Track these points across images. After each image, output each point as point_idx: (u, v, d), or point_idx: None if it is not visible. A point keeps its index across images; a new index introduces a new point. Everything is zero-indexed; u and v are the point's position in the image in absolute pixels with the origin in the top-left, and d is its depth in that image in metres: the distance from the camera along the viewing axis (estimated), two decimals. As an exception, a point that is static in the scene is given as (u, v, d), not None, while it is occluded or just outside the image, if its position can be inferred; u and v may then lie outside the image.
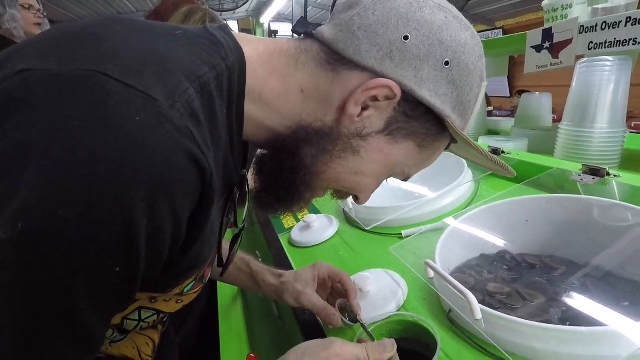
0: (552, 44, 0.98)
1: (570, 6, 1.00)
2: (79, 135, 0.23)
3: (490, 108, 3.34)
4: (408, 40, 0.34)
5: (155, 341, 0.54)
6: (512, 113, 2.87)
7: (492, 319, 0.45)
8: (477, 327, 0.45)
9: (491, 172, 0.95)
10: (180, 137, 0.26)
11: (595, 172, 0.72)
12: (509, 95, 4.31)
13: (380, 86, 0.34)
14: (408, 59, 0.34)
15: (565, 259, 0.65)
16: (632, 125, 2.03)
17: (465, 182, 0.89)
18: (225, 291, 1.04)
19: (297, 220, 0.98)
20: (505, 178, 0.93)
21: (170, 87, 0.27)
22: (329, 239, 0.86)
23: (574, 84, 0.95)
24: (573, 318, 0.49)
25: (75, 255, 0.23)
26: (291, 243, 0.89)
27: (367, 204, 0.84)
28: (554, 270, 0.63)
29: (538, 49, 1.02)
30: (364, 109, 0.36)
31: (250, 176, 0.44)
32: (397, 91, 0.34)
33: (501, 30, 4.72)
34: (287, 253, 0.84)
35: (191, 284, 0.42)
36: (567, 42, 0.94)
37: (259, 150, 0.43)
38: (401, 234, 0.78)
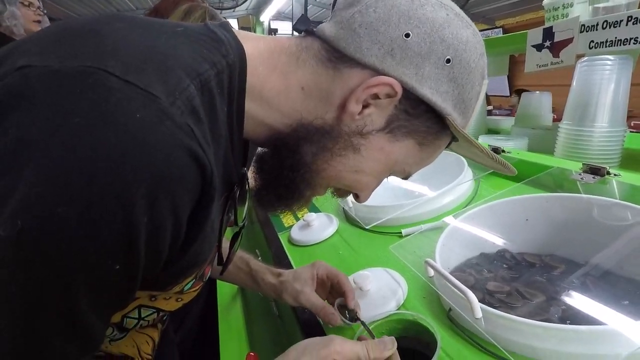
0: (552, 43, 0.98)
1: (571, 5, 1.00)
2: (79, 132, 0.23)
3: (490, 107, 3.34)
4: (409, 38, 0.34)
5: (155, 340, 0.54)
6: (510, 112, 2.87)
7: (492, 318, 0.45)
8: (477, 325, 0.45)
9: (491, 170, 0.95)
10: (180, 134, 0.26)
11: (595, 171, 0.72)
12: (509, 94, 4.31)
13: (381, 84, 0.34)
14: (409, 56, 0.34)
15: (565, 257, 0.65)
16: (632, 124, 2.03)
17: (465, 181, 0.89)
18: (224, 290, 1.04)
19: (297, 219, 0.98)
20: (505, 177, 0.93)
21: (170, 84, 0.27)
22: (329, 237, 0.86)
23: (574, 83, 0.95)
24: (573, 317, 0.49)
25: (75, 253, 0.23)
26: (291, 242, 0.89)
27: (367, 203, 0.83)
28: (553, 269, 0.63)
29: (539, 47, 1.02)
30: (365, 106, 0.36)
31: (250, 174, 0.44)
32: (398, 89, 0.34)
33: (501, 29, 4.72)
34: (286, 252, 0.84)
35: (191, 282, 0.42)
36: (568, 41, 0.94)
37: (259, 149, 0.42)
38: (401, 232, 0.78)
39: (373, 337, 0.48)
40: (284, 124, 0.37)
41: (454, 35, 0.35)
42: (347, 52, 0.35)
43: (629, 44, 0.81)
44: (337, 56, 0.36)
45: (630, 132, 1.06)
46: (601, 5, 0.89)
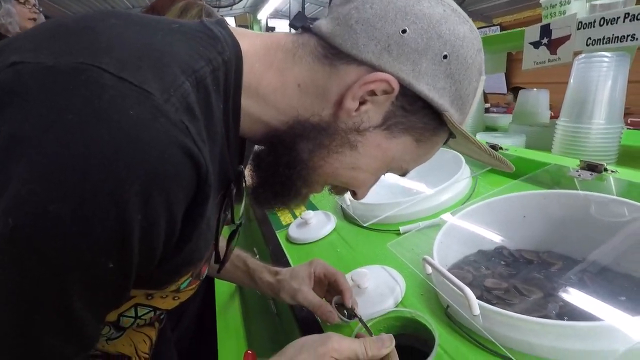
0: (550, 40, 0.98)
1: (569, 2, 1.00)
2: (72, 129, 0.23)
3: (488, 105, 3.35)
4: (406, 34, 0.34)
5: (152, 338, 0.54)
6: (506, 110, 2.87)
7: (489, 315, 0.45)
8: (474, 322, 0.45)
9: (489, 167, 0.95)
10: (175, 131, 0.26)
11: (592, 167, 0.72)
12: (506, 92, 4.32)
13: (378, 80, 0.34)
14: (406, 52, 0.34)
15: (562, 254, 0.65)
16: (629, 121, 2.04)
17: (463, 178, 0.89)
18: (222, 288, 1.04)
19: (295, 217, 0.97)
20: (503, 174, 0.93)
21: (165, 81, 0.27)
22: (327, 235, 0.86)
23: (571, 80, 0.95)
24: (570, 313, 0.49)
25: (69, 250, 0.23)
26: (289, 240, 0.89)
27: (364, 200, 0.83)
28: (551, 266, 0.63)
29: (536, 45, 1.01)
30: (362, 103, 0.36)
31: (247, 172, 0.44)
32: (395, 85, 0.34)
33: (498, 27, 4.72)
34: (284, 250, 0.84)
35: (187, 281, 0.41)
36: (565, 38, 0.94)
37: (256, 147, 0.42)
38: (399, 230, 0.78)
39: (371, 335, 0.48)
40: (280, 121, 0.37)
41: (451, 31, 0.35)
42: (344, 49, 0.35)
43: (626, 40, 0.81)
44: (333, 53, 0.35)
45: (627, 129, 1.06)
46: (598, 2, 0.89)
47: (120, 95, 0.24)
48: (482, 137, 1.20)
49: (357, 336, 0.46)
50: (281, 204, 0.42)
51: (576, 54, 0.93)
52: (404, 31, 0.34)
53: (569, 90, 0.95)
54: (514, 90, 3.00)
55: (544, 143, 1.05)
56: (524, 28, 1.06)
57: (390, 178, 1.03)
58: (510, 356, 0.41)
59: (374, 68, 0.34)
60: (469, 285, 0.47)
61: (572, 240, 0.65)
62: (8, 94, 0.24)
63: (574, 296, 0.52)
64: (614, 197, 0.61)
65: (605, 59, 0.87)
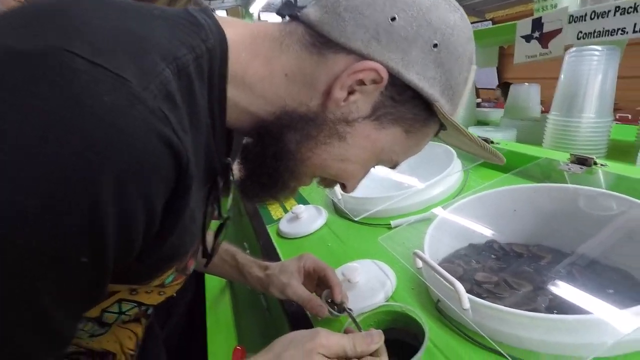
0: (541, 34, 0.98)
1: (560, -5, 1.00)
2: (39, 116, 0.21)
3: (479, 100, 3.36)
4: (395, 22, 0.33)
5: (139, 335, 0.53)
6: (494, 105, 2.88)
7: (479, 308, 0.44)
8: (464, 316, 0.45)
9: (481, 161, 0.95)
10: (153, 119, 0.24)
11: (582, 161, 0.72)
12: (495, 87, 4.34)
13: (366, 69, 0.33)
14: (395, 40, 0.33)
15: (552, 247, 0.66)
16: (617, 117, 2.06)
17: (454, 172, 0.89)
18: (212, 283, 1.03)
19: (286, 211, 0.97)
20: (494, 168, 0.93)
21: (144, 68, 0.25)
22: (318, 230, 0.86)
23: (562, 74, 0.95)
24: (560, 306, 0.49)
25: (37, 245, 0.22)
26: (279, 234, 0.88)
27: (355, 194, 0.83)
28: (540, 259, 0.63)
29: (528, 38, 1.01)
30: (350, 93, 0.35)
31: (236, 166, 0.43)
32: (384, 74, 0.33)
33: (490, 22, 4.73)
34: (275, 244, 0.83)
35: (172, 276, 0.40)
36: (557, 32, 0.94)
37: (245, 139, 0.41)
38: (390, 224, 0.78)
39: (360, 330, 0.48)
40: (267, 112, 0.36)
41: (441, 19, 0.34)
42: (332, 37, 0.34)
43: (617, 34, 0.81)
44: (321, 41, 0.34)
45: (615, 123, 1.07)
46: (589, -5, 0.89)
47: (94, 80, 0.23)
48: (474, 131, 1.19)
49: (346, 331, 0.46)
50: (269, 197, 0.41)
51: (567, 47, 0.93)
52: (393, 19, 0.33)
53: (560, 84, 0.95)
54: (504, 85, 3.01)
55: (534, 137, 1.05)
56: (515, 21, 1.06)
57: (381, 172, 1.03)
58: (500, 350, 0.41)
59: (363, 57, 0.33)
60: (459, 279, 0.47)
61: (562, 234, 0.65)
62: None
63: (563, 289, 0.52)
64: (604, 190, 0.61)
65: (596, 53, 0.88)
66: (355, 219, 0.83)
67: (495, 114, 1.62)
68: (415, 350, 0.47)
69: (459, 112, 0.40)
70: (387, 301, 0.57)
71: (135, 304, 0.43)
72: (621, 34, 0.80)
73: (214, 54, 0.33)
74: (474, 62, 0.39)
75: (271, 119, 0.36)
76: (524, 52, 1.04)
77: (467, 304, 0.44)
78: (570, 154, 0.74)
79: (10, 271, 0.22)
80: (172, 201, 0.28)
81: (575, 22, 0.89)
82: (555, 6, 1.02)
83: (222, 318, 0.90)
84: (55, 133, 0.21)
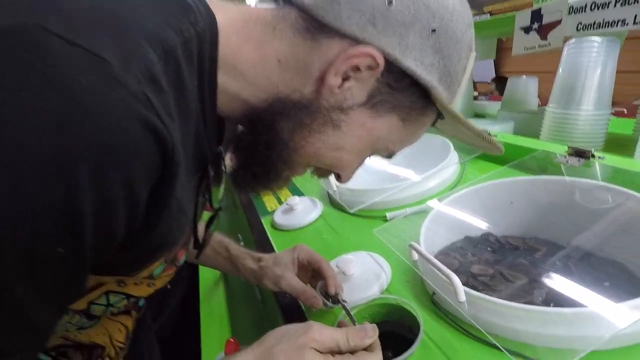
0: (540, 25, 0.96)
1: (560, -14, 0.98)
2: (10, 98, 0.20)
3: (476, 93, 3.34)
4: (392, 6, 0.32)
5: (129, 327, 0.52)
6: (489, 98, 2.88)
7: (475, 301, 0.44)
8: (460, 309, 0.44)
9: (478, 154, 0.94)
10: (135, 103, 0.23)
11: (580, 154, 0.71)
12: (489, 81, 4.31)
13: (362, 54, 0.32)
14: (392, 25, 0.32)
15: (548, 240, 0.65)
16: (613, 111, 2.06)
17: (450, 164, 0.88)
18: (206, 275, 1.02)
19: (280, 203, 0.96)
20: (491, 160, 0.93)
21: (126, 49, 0.24)
22: (313, 222, 0.85)
23: (561, 66, 0.94)
24: (556, 299, 0.48)
25: (10, 235, 0.20)
26: (274, 226, 0.87)
27: (351, 186, 0.81)
28: (536, 252, 0.63)
29: (527, 30, 1.00)
30: (345, 79, 0.33)
31: (228, 156, 0.42)
32: (380, 60, 0.32)
33: (489, 14, 4.70)
34: (269, 236, 0.82)
35: (161, 267, 0.39)
36: (556, 23, 0.93)
37: (239, 128, 0.40)
38: (385, 216, 0.77)
39: (354, 322, 0.47)
40: (259, 99, 0.35)
41: (439, 3, 0.33)
42: (326, 21, 0.32)
43: (617, 25, 0.80)
44: (315, 26, 0.33)
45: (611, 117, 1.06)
46: (590, -14, 0.88)
47: (69, 60, 0.21)
48: (471, 124, 1.19)
49: (340, 325, 0.45)
50: (261, 187, 0.40)
51: (566, 39, 0.92)
52: (389, 2, 0.32)
53: (559, 75, 0.94)
54: (498, 79, 3.01)
55: (532, 130, 1.05)
56: (514, 12, 1.04)
57: (377, 164, 1.02)
58: (496, 343, 0.40)
59: (358, 42, 0.32)
60: (455, 271, 0.46)
61: (559, 227, 0.65)
62: None
63: (559, 282, 0.52)
64: (601, 183, 0.61)
65: (596, 44, 0.86)
66: (351, 211, 0.82)
67: (492, 106, 1.61)
68: (410, 342, 0.47)
69: (457, 101, 0.39)
70: (382, 294, 0.56)
71: (124, 296, 0.42)
72: (621, 25, 0.79)
73: (204, 37, 0.31)
74: (473, 49, 0.37)
75: (263, 106, 0.34)
76: (522, 43, 1.03)
77: (462, 297, 0.43)
78: (568, 147, 0.73)
79: None
80: (158, 190, 0.27)
81: (575, 13, 0.88)
82: (555, -3, 1.00)
83: (215, 310, 0.89)
84: (25, 114, 0.20)
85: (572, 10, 0.88)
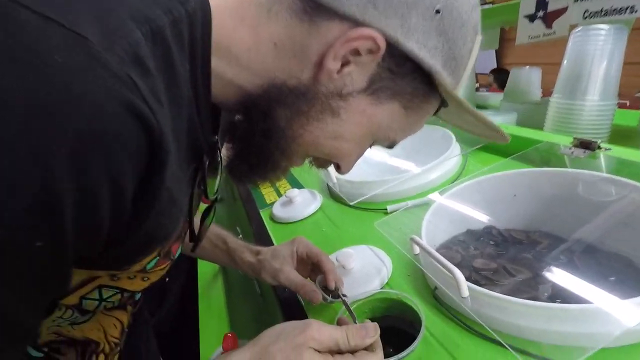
0: (546, 13, 0.94)
1: (566, -28, 0.95)
2: None
3: (477, 85, 3.30)
4: None
5: (124, 323, 0.51)
6: (488, 89, 2.85)
7: (478, 297, 0.43)
8: (463, 304, 0.43)
9: (480, 145, 0.93)
10: (117, 85, 0.21)
11: (586, 145, 0.69)
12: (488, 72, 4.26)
13: (362, 37, 0.30)
14: (394, 6, 0.30)
15: (551, 233, 0.64)
16: (618, 104, 2.04)
17: (452, 156, 0.86)
18: (205, 268, 1.01)
19: (279, 195, 0.94)
20: (494, 152, 0.91)
21: (108, 27, 0.22)
22: (312, 214, 0.84)
23: (566, 55, 0.91)
24: (560, 294, 0.47)
25: None
26: (273, 219, 0.86)
27: (351, 178, 0.80)
28: (540, 245, 0.61)
29: (531, 18, 0.98)
30: (344, 64, 0.32)
31: (225, 147, 0.40)
32: (381, 43, 0.30)
33: (491, 4, 4.63)
34: (268, 229, 0.81)
35: (154, 261, 0.38)
36: (562, 11, 0.90)
37: (236, 117, 0.38)
38: (386, 209, 0.76)
39: (354, 319, 0.46)
40: (254, 85, 0.33)
41: None
42: (324, 2, 0.31)
43: (625, 13, 0.78)
44: (312, 6, 0.31)
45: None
46: (597, -28, 0.86)
47: (43, 37, 0.19)
48: (473, 115, 1.17)
49: (339, 322, 0.44)
50: (258, 178, 0.39)
51: (572, 27, 0.90)
52: None
53: (564, 65, 0.92)
54: (496, 71, 2.98)
55: (535, 121, 1.03)
56: (518, 0, 1.02)
57: (377, 156, 1.00)
58: (499, 339, 0.39)
59: (358, 24, 0.30)
60: (457, 265, 0.45)
61: (563, 220, 0.63)
62: None
63: (564, 277, 0.50)
64: (607, 175, 0.59)
65: (602, 32, 0.84)
66: (351, 204, 0.81)
67: (494, 98, 1.59)
68: (411, 337, 0.46)
69: (461, 87, 0.37)
70: (382, 288, 0.55)
71: (117, 290, 0.41)
72: (630, 12, 0.77)
73: (195, 18, 0.29)
74: (479, 33, 0.35)
75: (259, 93, 0.33)
76: (526, 32, 1.00)
77: (466, 292, 0.42)
78: (574, 138, 0.72)
79: None
80: (146, 180, 0.25)
81: (581, 0, 0.86)
82: (561, -16, 0.98)
83: (214, 303, 0.89)
84: None
85: (579, -3, 0.86)
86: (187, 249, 0.56)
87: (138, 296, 0.57)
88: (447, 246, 0.62)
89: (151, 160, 0.25)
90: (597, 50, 0.85)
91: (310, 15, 0.31)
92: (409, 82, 0.33)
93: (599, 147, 0.68)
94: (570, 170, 0.65)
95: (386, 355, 0.40)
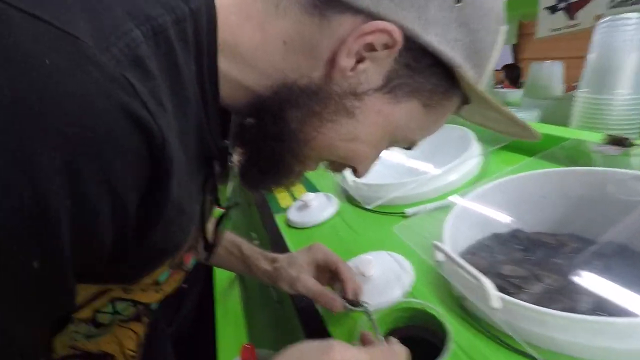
0: (568, 4, 0.90)
1: (590, -40, 0.91)
2: None
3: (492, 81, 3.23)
4: None
5: (140, 334, 0.50)
6: (502, 86, 2.79)
7: (511, 307, 0.40)
8: (493, 316, 0.40)
9: (501, 145, 0.89)
10: (112, 88, 0.20)
11: (618, 141, 0.65)
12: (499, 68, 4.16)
13: (377, 31, 0.28)
14: None
15: (582, 236, 0.60)
16: None
17: (473, 156, 0.83)
18: (222, 274, 1.00)
19: (294, 199, 0.92)
20: (516, 151, 0.87)
21: (103, 26, 0.21)
22: (328, 219, 0.81)
23: (593, 47, 0.87)
24: (601, 305, 0.43)
25: None
26: (288, 224, 0.84)
27: (367, 181, 0.77)
28: (570, 249, 0.58)
29: (552, 9, 0.94)
30: (359, 61, 0.29)
31: (236, 152, 0.38)
32: (398, 37, 0.28)
33: None
34: (283, 234, 0.80)
35: (167, 273, 0.36)
36: (586, 1, 0.86)
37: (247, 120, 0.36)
38: (404, 212, 0.73)
39: (377, 331, 0.43)
40: (263, 86, 0.31)
41: None
42: None
43: (656, 0, 0.73)
44: (323, 0, 0.29)
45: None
46: (624, -42, 0.81)
47: (32, 37, 0.18)
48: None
49: (363, 338, 0.41)
50: (271, 183, 0.37)
51: (597, 18, 0.85)
52: None
53: (590, 58, 0.87)
54: (507, 68, 2.91)
55: (559, 117, 0.98)
56: (539, -9, 0.98)
57: (394, 157, 0.98)
58: (534, 354, 0.36)
59: (372, 17, 0.28)
60: (483, 272, 0.42)
61: (593, 221, 0.60)
62: None
63: (601, 284, 0.47)
64: (641, 172, 0.55)
65: (631, 22, 0.79)
66: (368, 207, 0.78)
67: (513, 94, 1.54)
68: (434, 347, 0.43)
69: (485, 82, 0.34)
70: (405, 297, 0.53)
71: (131, 303, 0.40)
72: (662, -1, 0.72)
73: (199, 17, 0.28)
74: (503, 23, 0.33)
75: (268, 94, 0.31)
76: (548, 25, 0.96)
77: (497, 303, 0.39)
78: (605, 134, 0.67)
79: None
80: (150, 190, 0.24)
81: (607, -12, 0.81)
82: (584, -27, 0.93)
83: (231, 310, 0.87)
84: None
85: (604, -15, 0.82)
86: (202, 258, 0.55)
87: (154, 306, 0.56)
88: (472, 252, 0.58)
89: (154, 168, 0.23)
90: (626, 41, 0.80)
91: (321, 9, 0.29)
92: (428, 78, 0.31)
93: (632, 144, 0.64)
94: (601, 168, 0.61)
95: None
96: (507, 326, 0.40)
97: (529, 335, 0.39)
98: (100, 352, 0.45)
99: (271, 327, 0.78)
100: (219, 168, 0.37)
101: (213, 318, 0.85)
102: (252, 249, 0.61)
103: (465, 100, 0.35)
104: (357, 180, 0.84)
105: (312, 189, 0.97)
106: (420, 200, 0.77)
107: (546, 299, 0.46)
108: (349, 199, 0.87)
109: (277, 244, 0.76)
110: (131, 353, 0.48)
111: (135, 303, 0.40)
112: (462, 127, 0.93)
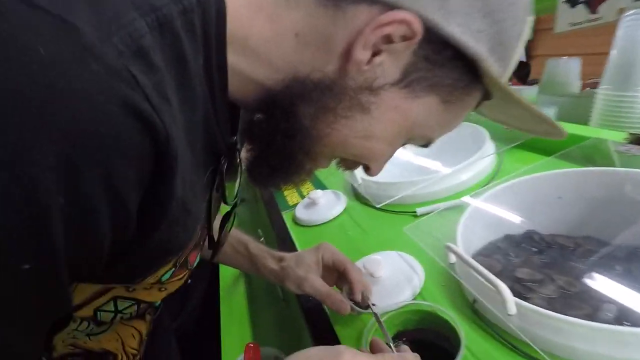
0: (590, -3, 0.86)
1: (613, -49, 0.87)
2: None
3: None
4: None
5: (143, 332, 0.49)
6: (511, 84, 2.73)
7: (527, 314, 0.38)
8: (508, 322, 0.38)
9: (516, 143, 0.86)
10: (112, 79, 0.18)
11: (642, 141, 0.62)
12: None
13: (395, 21, 0.26)
14: None
15: (600, 239, 0.58)
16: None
17: (486, 155, 0.80)
18: (227, 271, 0.99)
19: (302, 197, 0.91)
20: (532, 150, 0.84)
21: (106, 16, 0.19)
22: (337, 217, 0.80)
23: (616, 42, 0.83)
24: (622, 313, 0.41)
25: None
26: (295, 221, 0.83)
27: (377, 179, 0.75)
28: (588, 252, 0.55)
29: (572, 3, 0.90)
30: (375, 54, 0.28)
31: (245, 148, 0.37)
32: (418, 28, 0.26)
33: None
34: (290, 232, 0.78)
35: (170, 272, 0.35)
36: (608, -6, 0.83)
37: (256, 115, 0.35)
38: (415, 212, 0.71)
39: (386, 333, 0.42)
40: (274, 80, 0.30)
41: None
42: None
43: (684, -7, 0.70)
44: None
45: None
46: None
47: (28, 26, 0.17)
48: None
49: (373, 344, 0.39)
50: (281, 181, 0.35)
51: (621, 11, 0.82)
52: None
53: (613, 53, 0.83)
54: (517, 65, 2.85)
55: (578, 115, 0.95)
56: (558, -16, 0.94)
57: (404, 155, 0.95)
58: (552, 363, 0.34)
59: (389, 6, 0.26)
60: (497, 275, 0.40)
61: (612, 224, 0.57)
62: None
63: (623, 291, 0.44)
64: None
65: (657, 16, 0.76)
66: (377, 206, 0.77)
67: (526, 91, 1.49)
68: (444, 351, 0.42)
69: (508, 77, 0.32)
70: (414, 299, 0.51)
71: (134, 302, 0.39)
72: (690, -8, 0.69)
73: (208, 8, 0.26)
74: (530, 13, 0.31)
75: (279, 89, 0.29)
76: (567, 19, 0.93)
77: (513, 310, 0.37)
78: (630, 133, 0.64)
79: None
80: (152, 188, 0.22)
81: (631, -19, 0.78)
82: (607, -35, 0.89)
83: (235, 307, 0.87)
84: None
85: (628, -22, 0.78)
86: (207, 256, 0.53)
87: (158, 304, 0.55)
88: (485, 253, 0.56)
89: (157, 165, 0.22)
90: (652, 36, 0.77)
91: (335, 0, 0.28)
92: (449, 71, 0.29)
93: (658, 143, 0.61)
94: (622, 169, 0.59)
95: None
96: (523, 332, 0.38)
97: (546, 343, 0.37)
98: (102, 350, 0.44)
99: (276, 326, 0.77)
100: (226, 165, 0.36)
101: (218, 315, 0.84)
102: (259, 247, 0.60)
103: (487, 96, 0.33)
104: (367, 178, 0.82)
105: (320, 186, 0.95)
106: (431, 199, 0.75)
107: (564, 305, 0.44)
108: (358, 197, 0.86)
109: (284, 242, 0.75)
110: (133, 351, 0.47)
111: (138, 302, 0.39)
112: (475, 124, 0.90)
